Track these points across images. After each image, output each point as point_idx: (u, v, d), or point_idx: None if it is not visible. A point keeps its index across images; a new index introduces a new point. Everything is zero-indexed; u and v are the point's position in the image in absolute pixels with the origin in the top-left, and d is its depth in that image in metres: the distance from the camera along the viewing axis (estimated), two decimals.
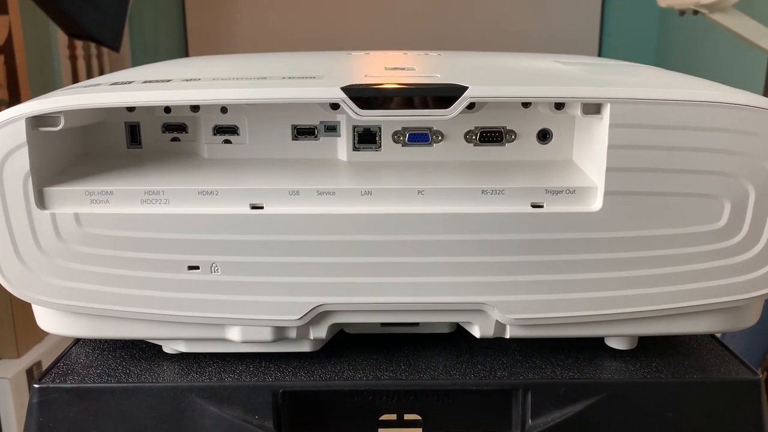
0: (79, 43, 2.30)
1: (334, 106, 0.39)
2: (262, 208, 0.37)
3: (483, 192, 0.37)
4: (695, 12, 1.42)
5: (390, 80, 0.37)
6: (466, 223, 0.37)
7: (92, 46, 2.37)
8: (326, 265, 0.37)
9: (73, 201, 0.37)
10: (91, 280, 0.38)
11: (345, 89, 0.35)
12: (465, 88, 0.35)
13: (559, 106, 0.39)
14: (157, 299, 0.38)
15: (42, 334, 1.34)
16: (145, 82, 0.39)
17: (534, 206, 0.37)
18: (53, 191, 0.37)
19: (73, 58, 2.31)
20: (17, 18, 1.69)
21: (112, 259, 0.37)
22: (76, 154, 0.41)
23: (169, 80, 0.38)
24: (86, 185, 0.37)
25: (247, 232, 0.37)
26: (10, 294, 0.38)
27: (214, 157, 0.42)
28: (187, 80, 0.39)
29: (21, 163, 0.36)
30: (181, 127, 0.42)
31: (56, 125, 0.36)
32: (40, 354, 1.33)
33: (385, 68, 0.42)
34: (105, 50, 2.40)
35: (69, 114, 0.36)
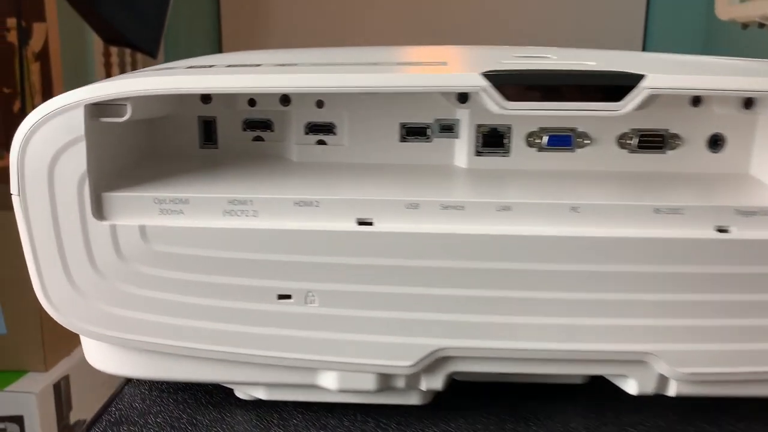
0: (114, 51, 2.27)
1: (462, 99, 0.31)
2: (371, 224, 0.30)
3: (656, 211, 0.29)
4: (761, 25, 1.33)
5: (538, 67, 0.29)
6: (634, 249, 0.29)
7: (127, 53, 2.34)
8: (451, 299, 0.30)
9: (139, 210, 0.30)
10: (157, 309, 0.30)
11: (489, 75, 0.28)
12: (640, 77, 0.28)
13: (748, 104, 0.31)
14: (237, 335, 0.30)
15: (71, 346, 1.27)
16: (229, 66, 0.31)
17: (719, 230, 0.29)
18: (114, 198, 0.30)
19: (108, 65, 2.27)
20: (54, 25, 1.65)
21: (184, 284, 0.30)
22: (141, 153, 0.34)
23: (258, 65, 0.31)
24: (155, 191, 0.30)
25: (353, 253, 0.29)
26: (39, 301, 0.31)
27: (306, 161, 0.34)
28: (280, 65, 0.31)
29: (76, 161, 0.29)
30: (266, 124, 0.35)
31: (121, 115, 0.29)
32: (68, 368, 1.27)
33: (515, 56, 0.34)
34: (139, 58, 2.36)
35: (138, 102, 0.29)
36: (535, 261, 0.29)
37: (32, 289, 0.31)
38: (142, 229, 0.29)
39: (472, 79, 0.28)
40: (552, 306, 0.30)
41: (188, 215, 0.30)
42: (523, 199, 0.29)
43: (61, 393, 1.25)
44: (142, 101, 0.30)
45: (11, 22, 1.51)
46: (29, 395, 1.18)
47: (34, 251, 0.30)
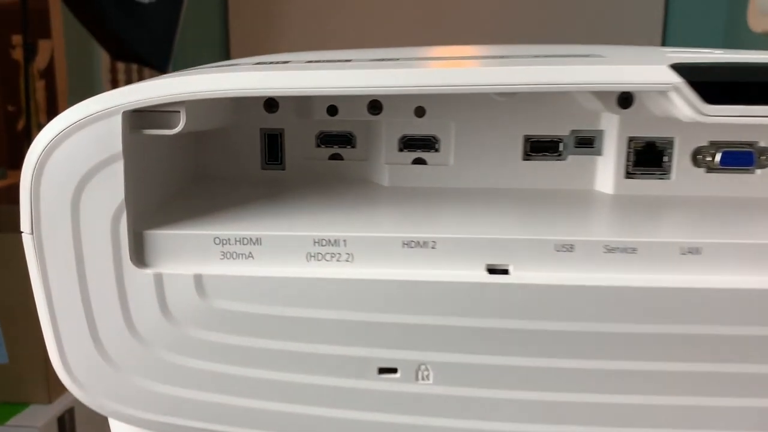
0: (120, 68, 2.21)
1: (624, 102, 0.24)
2: (506, 272, 0.22)
3: None
4: None
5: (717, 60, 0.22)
6: None
7: (134, 70, 2.28)
8: (634, 377, 0.22)
9: (194, 254, 0.22)
10: (216, 387, 0.22)
11: (682, 68, 0.20)
12: None
13: None
14: (325, 422, 0.22)
15: None
16: (309, 62, 0.24)
17: None
18: (161, 237, 0.22)
19: (114, 82, 2.21)
20: (60, 43, 1.59)
21: (254, 354, 0.22)
22: (190, 177, 0.27)
23: (348, 60, 0.24)
24: (215, 228, 0.22)
25: (481, 312, 0.22)
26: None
27: (400, 185, 0.27)
28: (372, 60, 0.24)
29: (110, 188, 0.21)
30: (347, 139, 0.27)
31: (172, 126, 0.21)
32: (73, 400, 1.18)
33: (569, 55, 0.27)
34: (147, 74, 2.30)
35: (194, 109, 0.22)
36: (751, 322, 0.21)
37: (36, 314, 0.23)
38: (199, 280, 0.22)
39: (659, 74, 0.20)
40: None
41: (260, 260, 0.22)
42: (716, 238, 0.22)
43: (66, 427, 1.17)
44: (199, 108, 0.22)
45: (17, 39, 1.45)
46: (32, 429, 1.11)
47: (51, 308, 0.22)
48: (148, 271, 0.22)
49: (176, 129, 0.21)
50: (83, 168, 0.21)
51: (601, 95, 0.23)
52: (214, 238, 0.22)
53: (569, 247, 0.22)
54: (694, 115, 0.20)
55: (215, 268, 0.22)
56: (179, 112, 0.21)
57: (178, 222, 0.23)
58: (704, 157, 0.25)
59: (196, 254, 0.22)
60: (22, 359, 1.11)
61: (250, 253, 0.22)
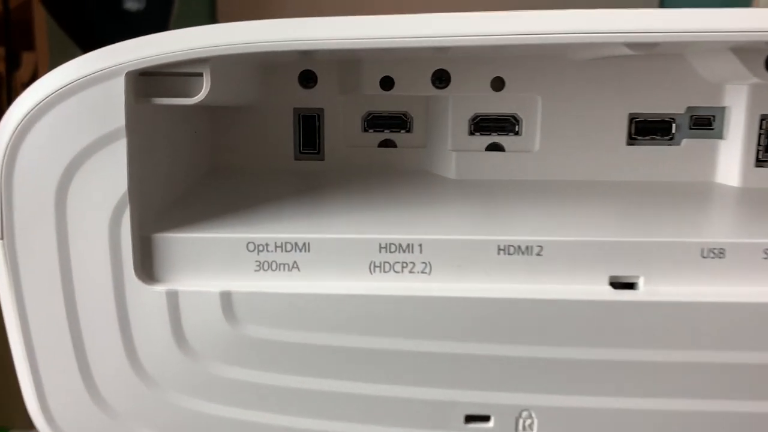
0: None
1: None
2: (634, 286, 0.16)
3: None
4: None
5: None
6: None
7: None
8: None
9: (220, 265, 0.16)
10: None
11: None
12: None
13: None
14: None
15: None
16: None
17: None
18: (175, 242, 0.17)
19: None
20: (44, 55, 1.53)
21: (302, 398, 0.17)
22: (206, 165, 0.21)
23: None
24: (247, 229, 0.17)
25: (605, 339, 0.16)
26: None
27: (471, 178, 0.21)
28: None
29: (108, 176, 0.16)
30: (402, 121, 0.22)
31: (193, 93, 0.16)
32: None
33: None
34: None
35: (220, 70, 0.16)
36: None
37: None
38: (227, 299, 0.16)
39: None
40: None
41: (308, 272, 0.17)
42: None
43: None
44: (226, 72, 0.17)
45: None
46: None
47: (27, 335, 0.17)
48: (159, 288, 0.16)
49: (197, 97, 0.16)
50: (71, 150, 0.16)
51: (746, 55, 0.18)
52: (248, 243, 0.16)
53: (719, 253, 0.16)
54: None
55: (249, 283, 0.16)
56: (201, 75, 0.16)
57: (197, 222, 0.17)
58: None
59: (223, 265, 0.16)
60: (1, 381, 1.04)
61: (295, 263, 0.16)
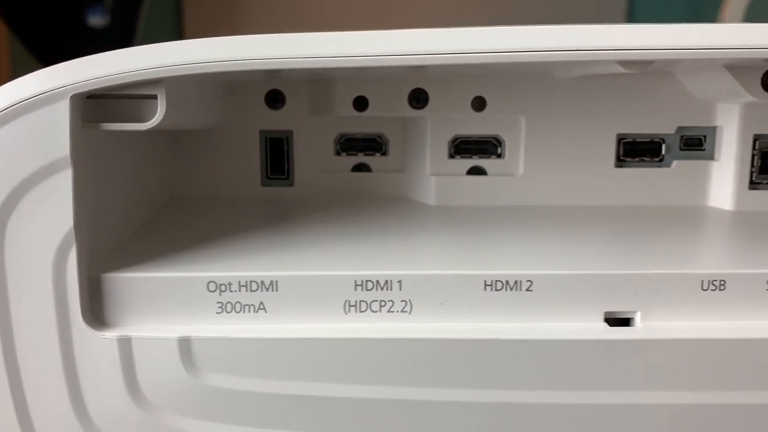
0: None
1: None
2: (629, 322, 0.15)
3: None
4: None
5: None
6: None
7: None
8: None
9: (178, 307, 0.15)
10: None
11: None
12: None
13: None
14: None
15: None
16: None
17: None
18: (128, 282, 0.15)
19: None
20: (7, 73, 1.49)
21: None
22: (165, 196, 0.20)
23: None
24: (208, 267, 0.15)
25: (601, 381, 0.15)
26: None
27: (451, 204, 0.20)
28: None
29: (51, 211, 0.14)
30: (377, 143, 0.20)
31: (145, 118, 0.14)
32: None
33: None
34: None
35: (176, 92, 0.15)
36: None
37: None
38: (186, 345, 0.15)
39: None
40: None
41: (276, 314, 0.15)
42: None
43: None
44: (183, 94, 0.15)
45: None
46: None
47: None
48: (110, 334, 0.15)
49: (151, 122, 0.14)
50: (10, 181, 0.14)
51: (740, 73, 0.17)
52: (209, 283, 0.15)
53: (720, 285, 0.15)
54: None
55: (210, 327, 0.15)
56: (156, 97, 0.14)
57: (153, 260, 0.15)
58: None
59: (181, 307, 0.15)
60: None
61: (262, 303, 0.15)
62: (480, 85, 0.19)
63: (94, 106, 0.15)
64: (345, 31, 0.14)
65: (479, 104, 0.19)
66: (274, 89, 0.20)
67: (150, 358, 0.15)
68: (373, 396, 0.15)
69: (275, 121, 0.20)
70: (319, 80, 0.19)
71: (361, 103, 0.19)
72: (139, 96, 0.14)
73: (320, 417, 0.15)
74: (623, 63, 0.15)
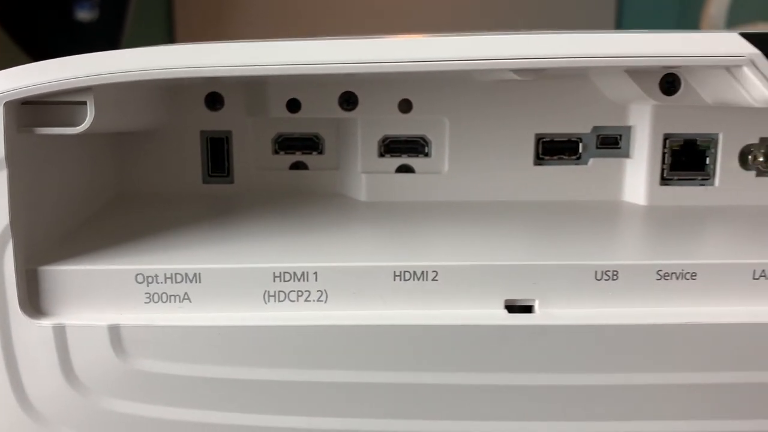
0: None
1: (670, 87, 0.19)
2: (530, 309, 0.17)
3: None
4: None
5: None
6: None
7: None
8: None
9: (108, 297, 0.16)
10: None
11: (756, 37, 0.15)
12: None
13: None
14: None
15: None
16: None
17: None
18: (62, 275, 0.16)
19: None
20: None
21: (196, 430, 0.16)
22: (105, 195, 0.21)
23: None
24: (137, 261, 0.16)
25: (501, 364, 0.16)
26: None
27: (382, 200, 0.21)
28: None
29: None
30: (313, 143, 0.22)
31: (76, 122, 0.16)
32: None
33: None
34: None
35: (106, 98, 0.16)
36: None
37: None
38: (116, 332, 0.16)
39: (728, 45, 0.15)
40: None
41: (199, 304, 0.16)
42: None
43: None
44: (114, 99, 0.16)
45: None
46: None
47: None
48: (46, 322, 0.16)
49: (81, 126, 0.16)
50: None
51: (640, 78, 0.18)
52: (137, 275, 0.16)
53: (612, 275, 0.16)
54: None
55: (138, 315, 0.16)
56: (85, 103, 0.16)
57: (87, 254, 0.17)
58: (755, 157, 0.21)
59: (112, 297, 0.16)
60: None
61: (186, 294, 0.16)
62: (406, 88, 0.21)
63: (28, 112, 0.16)
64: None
65: (406, 106, 0.21)
66: (213, 92, 0.21)
67: (83, 345, 0.16)
68: (292, 379, 0.16)
69: (215, 121, 0.21)
70: (254, 83, 0.21)
71: (294, 105, 0.21)
72: (70, 102, 0.16)
73: (239, 398, 0.16)
74: (517, 71, 0.16)
